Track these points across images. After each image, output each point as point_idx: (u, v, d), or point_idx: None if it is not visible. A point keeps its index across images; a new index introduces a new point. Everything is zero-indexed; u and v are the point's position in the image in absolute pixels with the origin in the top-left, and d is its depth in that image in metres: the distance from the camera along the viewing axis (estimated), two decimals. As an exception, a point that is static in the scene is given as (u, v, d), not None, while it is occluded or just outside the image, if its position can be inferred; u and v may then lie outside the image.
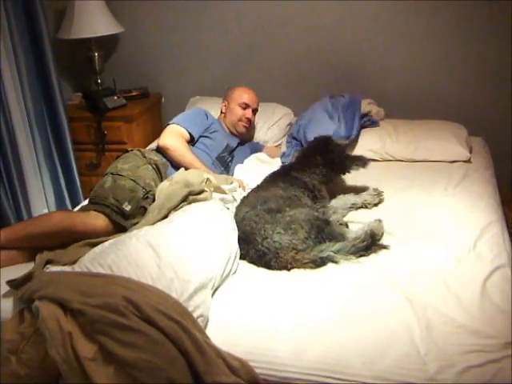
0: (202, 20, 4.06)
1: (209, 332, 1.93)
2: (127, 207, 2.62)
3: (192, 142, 3.23)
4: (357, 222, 2.59)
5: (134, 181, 2.75)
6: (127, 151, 3.07)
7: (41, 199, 3.73)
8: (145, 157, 2.97)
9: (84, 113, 3.98)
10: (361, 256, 2.30)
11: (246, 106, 3.45)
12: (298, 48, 3.98)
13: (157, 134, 4.03)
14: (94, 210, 2.58)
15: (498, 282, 2.12)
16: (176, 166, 3.04)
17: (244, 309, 2.06)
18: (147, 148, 3.36)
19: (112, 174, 2.80)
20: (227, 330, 1.97)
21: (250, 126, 3.53)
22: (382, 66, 3.90)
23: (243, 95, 3.47)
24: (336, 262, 2.27)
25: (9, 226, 3.24)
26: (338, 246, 2.30)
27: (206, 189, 2.59)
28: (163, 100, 4.37)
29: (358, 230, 2.43)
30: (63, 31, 3.89)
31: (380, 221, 2.50)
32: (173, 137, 3.11)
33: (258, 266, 2.37)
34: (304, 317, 1.99)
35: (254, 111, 3.53)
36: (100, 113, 3.88)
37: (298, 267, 2.28)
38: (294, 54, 4.01)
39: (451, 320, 1.93)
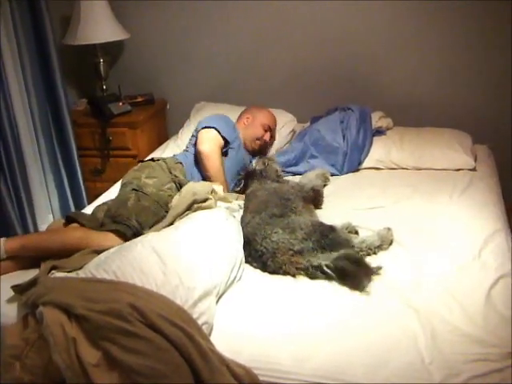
0: (207, 26, 4.07)
1: (213, 339, 1.93)
2: (146, 232, 2.53)
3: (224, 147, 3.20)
4: (364, 228, 2.59)
5: (158, 202, 2.70)
6: (153, 160, 3.03)
7: (45, 204, 3.74)
8: (170, 172, 2.93)
9: (89, 119, 3.99)
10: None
11: (268, 129, 3.48)
12: (303, 54, 3.99)
13: (162, 140, 4.06)
14: (116, 230, 2.51)
15: (503, 291, 2.11)
16: (201, 173, 3.05)
17: (248, 316, 2.06)
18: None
19: (135, 190, 2.74)
20: (231, 337, 1.97)
21: (263, 147, 3.53)
22: (388, 74, 3.90)
23: (269, 118, 3.53)
24: (325, 274, 2.24)
25: (13, 230, 3.27)
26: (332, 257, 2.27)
27: (210, 197, 2.59)
28: (168, 106, 4.38)
29: (367, 238, 2.44)
30: (69, 37, 3.91)
31: (389, 229, 2.50)
32: (212, 145, 3.06)
33: (256, 267, 2.38)
34: (308, 324, 1.99)
35: (272, 137, 3.59)
36: (105, 119, 3.89)
37: (291, 272, 2.28)
38: (299, 61, 4.02)
39: (456, 328, 1.92)
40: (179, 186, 2.88)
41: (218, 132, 3.12)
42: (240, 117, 3.57)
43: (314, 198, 2.89)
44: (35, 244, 2.47)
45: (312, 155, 3.43)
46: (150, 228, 2.57)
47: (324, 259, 2.26)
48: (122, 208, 2.63)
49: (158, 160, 3.03)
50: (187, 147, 3.32)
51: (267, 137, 3.48)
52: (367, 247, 2.40)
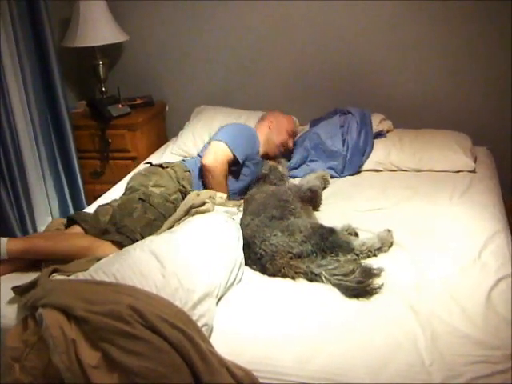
0: (206, 29, 4.07)
1: (213, 341, 1.93)
2: None
3: (234, 165, 3.03)
4: (364, 230, 2.58)
5: (163, 215, 2.64)
6: (162, 166, 2.94)
7: (45, 207, 3.72)
8: (178, 182, 2.86)
9: (88, 121, 3.98)
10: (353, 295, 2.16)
11: (292, 135, 3.43)
12: (303, 57, 3.99)
13: (161, 142, 4.07)
14: (119, 242, 2.46)
15: (503, 292, 2.11)
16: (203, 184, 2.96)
17: (248, 318, 2.05)
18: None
19: (142, 199, 2.67)
20: (231, 339, 1.96)
21: (284, 153, 3.41)
22: (388, 76, 3.89)
23: (292, 124, 3.47)
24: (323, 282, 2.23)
25: (12, 232, 3.26)
26: (333, 267, 2.25)
27: (207, 200, 2.58)
28: (167, 108, 4.38)
29: (368, 240, 2.43)
30: (68, 39, 3.90)
31: (389, 231, 2.50)
32: (218, 161, 2.92)
33: (255, 269, 2.38)
34: (309, 326, 1.98)
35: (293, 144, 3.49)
36: (104, 121, 3.89)
37: (290, 275, 2.28)
38: (299, 63, 4.01)
39: (456, 330, 1.92)
40: (184, 196, 2.80)
41: (230, 149, 2.98)
42: (261, 121, 3.48)
43: (312, 199, 2.88)
44: (40, 250, 2.40)
45: (312, 159, 3.43)
46: None
47: (324, 265, 2.26)
48: (127, 219, 2.57)
49: (167, 167, 2.94)
50: (201, 151, 3.22)
51: (291, 143, 3.42)
52: (367, 249, 2.39)
